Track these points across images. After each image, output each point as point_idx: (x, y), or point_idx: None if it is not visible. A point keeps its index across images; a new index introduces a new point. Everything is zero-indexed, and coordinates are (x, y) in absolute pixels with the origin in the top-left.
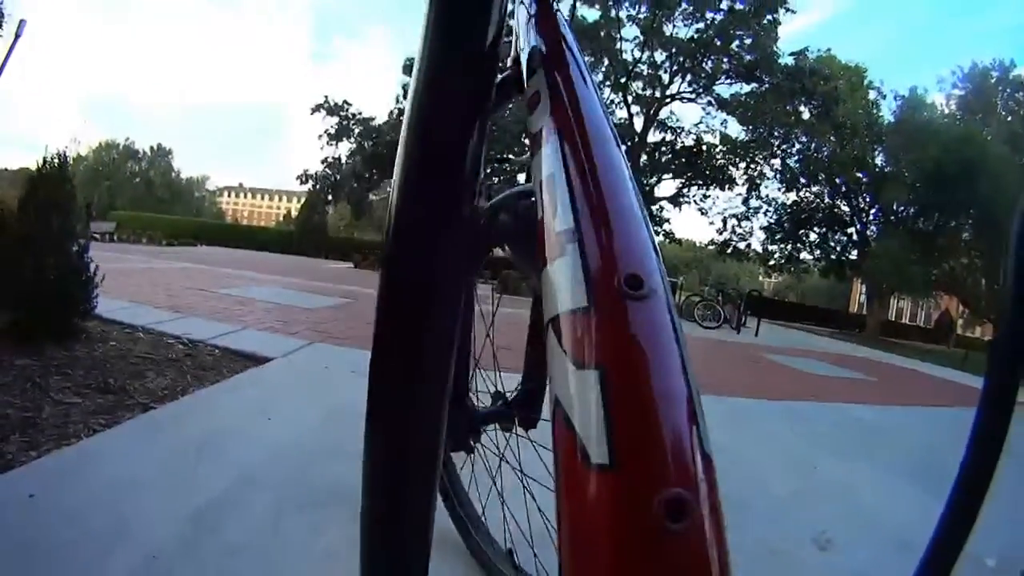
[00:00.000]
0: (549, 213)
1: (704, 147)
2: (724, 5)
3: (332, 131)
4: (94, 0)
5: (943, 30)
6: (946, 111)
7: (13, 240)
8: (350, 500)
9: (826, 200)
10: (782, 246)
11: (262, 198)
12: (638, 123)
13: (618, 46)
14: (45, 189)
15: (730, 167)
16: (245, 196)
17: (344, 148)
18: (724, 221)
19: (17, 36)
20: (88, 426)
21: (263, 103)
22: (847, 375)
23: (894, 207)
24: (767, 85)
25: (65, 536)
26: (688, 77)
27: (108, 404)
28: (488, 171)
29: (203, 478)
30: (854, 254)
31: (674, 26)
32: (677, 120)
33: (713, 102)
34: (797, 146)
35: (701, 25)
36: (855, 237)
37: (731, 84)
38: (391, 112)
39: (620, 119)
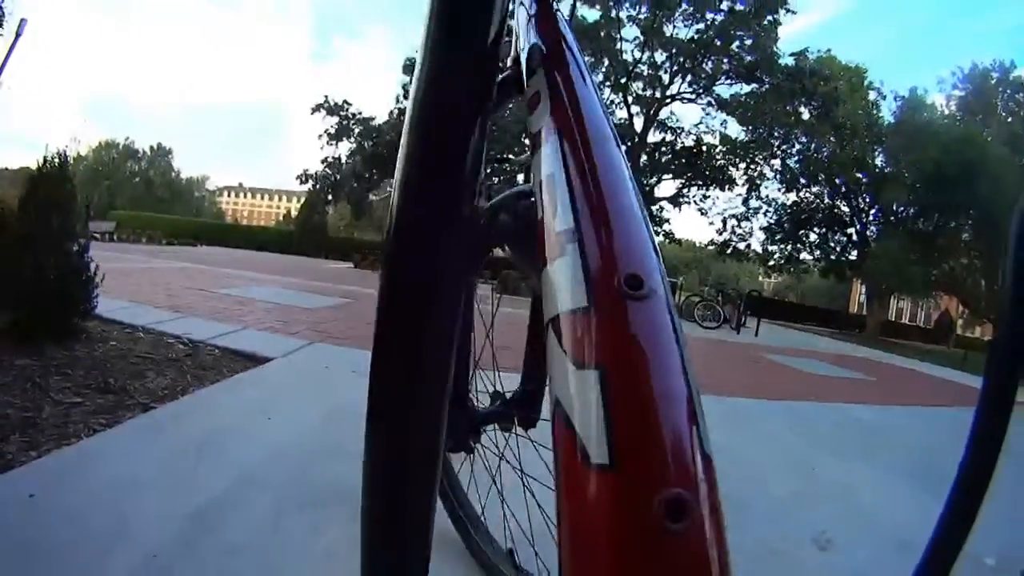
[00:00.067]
0: (549, 213)
1: (704, 147)
2: (724, 6)
3: (332, 131)
4: (94, 0)
5: (943, 31)
6: (946, 112)
7: (13, 240)
8: (350, 499)
9: (826, 200)
10: (782, 246)
11: (262, 198)
12: (638, 123)
13: (618, 46)
14: (45, 188)
15: (730, 167)
16: (245, 196)
17: (344, 148)
18: (724, 221)
19: (18, 35)
20: (88, 426)
21: (263, 103)
22: (847, 375)
23: (894, 207)
24: (767, 86)
25: (65, 536)
26: (688, 77)
27: (108, 404)
28: (488, 171)
29: (203, 478)
30: (854, 254)
31: (674, 26)
32: (677, 120)
33: (713, 102)
34: (797, 146)
35: (701, 26)
36: (855, 237)
37: (731, 84)
38: (391, 112)
39: (620, 119)
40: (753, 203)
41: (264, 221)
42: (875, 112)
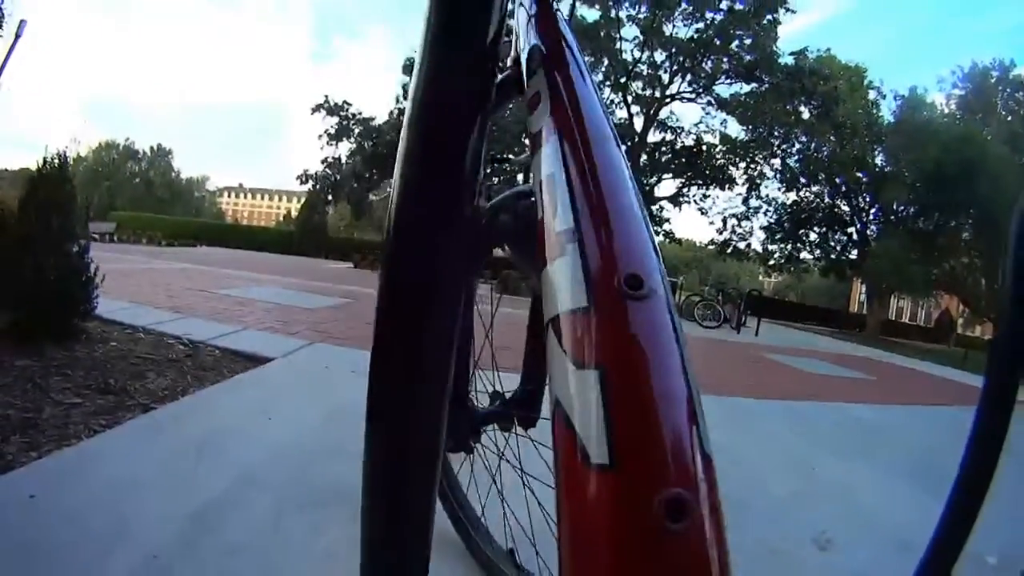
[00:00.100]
0: (549, 213)
1: (704, 147)
2: (724, 5)
3: (332, 131)
4: (94, 1)
5: (943, 30)
6: (946, 111)
7: (13, 240)
8: (350, 499)
9: (826, 200)
10: (782, 246)
11: (262, 198)
12: (638, 123)
13: (618, 46)
14: (45, 189)
15: (730, 167)
16: (245, 196)
17: (344, 148)
18: (724, 221)
19: (17, 36)
20: (88, 427)
21: (263, 103)
22: (847, 374)
23: (894, 207)
24: (767, 85)
25: (66, 537)
26: (688, 77)
27: (108, 405)
28: (488, 171)
29: (203, 478)
30: (854, 254)
31: (674, 26)
32: (677, 120)
33: (713, 102)
34: (797, 146)
35: (701, 25)
36: (855, 237)
37: (731, 84)
38: (391, 112)
39: (620, 119)
40: (753, 202)
41: (264, 221)
42: (875, 111)
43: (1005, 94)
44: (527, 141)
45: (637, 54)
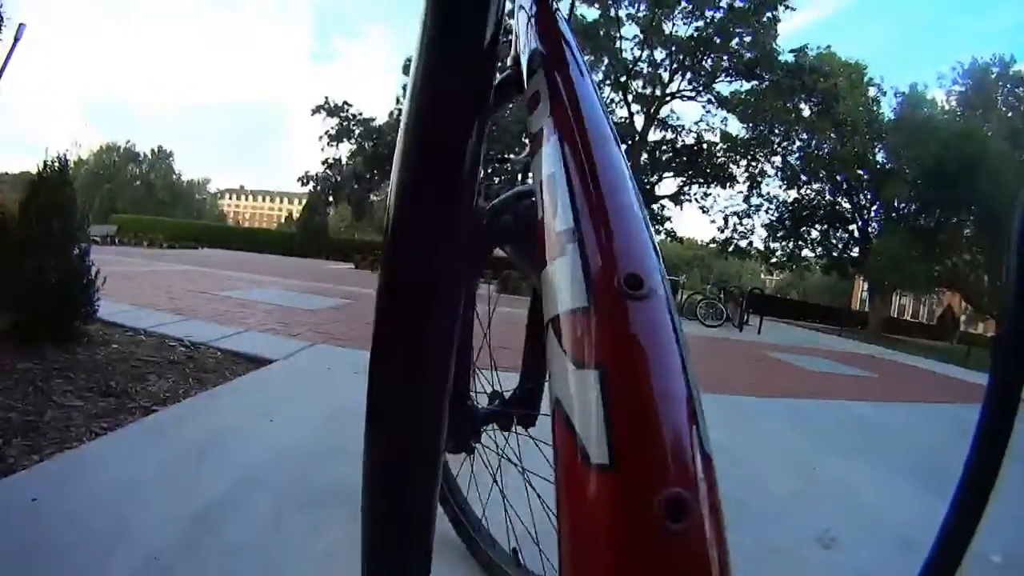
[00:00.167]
0: (549, 213)
1: (705, 145)
2: (724, 3)
3: (332, 132)
4: (94, 3)
5: (943, 28)
6: (946, 107)
7: (14, 243)
8: (351, 499)
9: (827, 197)
10: (784, 244)
11: (263, 200)
12: (638, 122)
13: (618, 45)
14: (46, 192)
15: (731, 165)
16: (246, 198)
17: (345, 149)
18: (725, 219)
19: (16, 40)
20: (90, 429)
21: (263, 104)
22: (850, 372)
23: (895, 204)
24: (767, 82)
25: (67, 539)
26: (688, 75)
27: (110, 407)
28: (489, 171)
29: (205, 480)
30: (856, 251)
31: (673, 24)
32: (677, 118)
33: (713, 100)
34: (798, 143)
35: (701, 23)
36: (856, 234)
37: (731, 82)
38: (391, 113)
39: (620, 118)
40: (754, 200)
41: (266, 223)
42: (875, 108)
43: (1005, 90)
44: (527, 141)
45: (637, 53)
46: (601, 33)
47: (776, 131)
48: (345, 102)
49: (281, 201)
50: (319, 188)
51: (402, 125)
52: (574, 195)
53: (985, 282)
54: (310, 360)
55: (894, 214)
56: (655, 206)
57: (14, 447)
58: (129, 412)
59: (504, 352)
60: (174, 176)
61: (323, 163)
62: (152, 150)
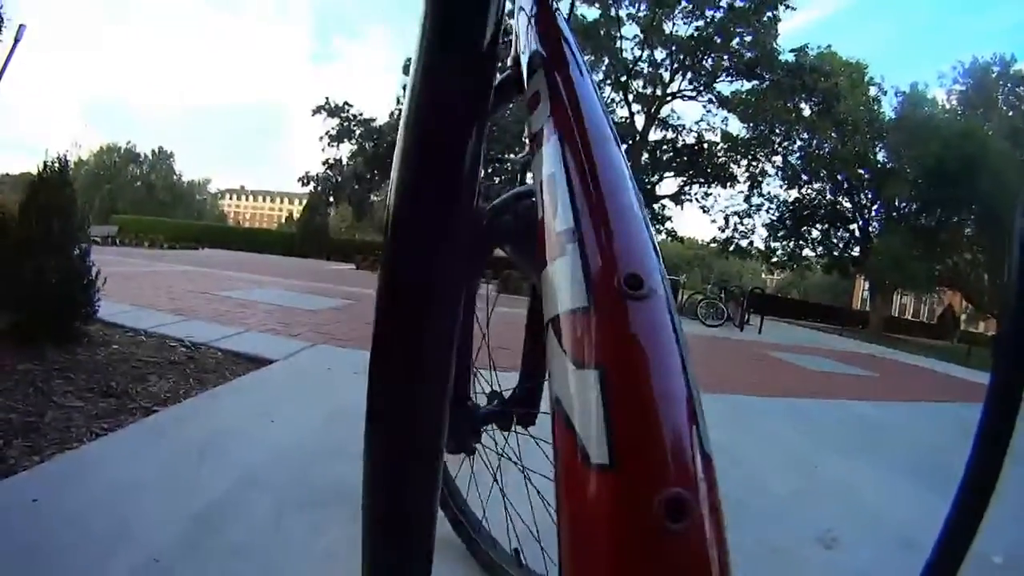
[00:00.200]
0: (549, 213)
1: (705, 145)
2: (724, 2)
3: (333, 133)
4: (94, 4)
5: (944, 27)
6: (947, 106)
7: (14, 244)
8: (351, 499)
9: (828, 197)
10: (784, 243)
11: (264, 200)
12: (639, 121)
13: (618, 45)
14: (46, 193)
15: (731, 164)
16: (247, 199)
17: (345, 150)
18: (726, 219)
19: (16, 41)
20: (91, 430)
21: (264, 104)
22: (851, 371)
23: (896, 203)
24: (768, 82)
25: (68, 540)
26: (688, 75)
27: (110, 408)
28: (489, 171)
29: (205, 480)
30: (856, 250)
31: (674, 24)
32: (678, 118)
33: (714, 100)
34: (798, 143)
35: (701, 23)
36: (857, 233)
37: (732, 81)
38: (392, 113)
39: (621, 118)
40: (755, 200)
41: (266, 223)
42: (876, 108)
43: (1006, 89)
44: (527, 140)
45: (637, 52)
46: (602, 33)
47: (777, 131)
48: (346, 102)
49: (282, 201)
50: (320, 188)
51: (402, 125)
52: (574, 195)
53: (986, 281)
54: (311, 360)
55: (895, 213)
56: (656, 206)
57: (14, 448)
58: (130, 413)
59: (504, 352)
60: (175, 177)
61: (324, 163)
62: (153, 151)
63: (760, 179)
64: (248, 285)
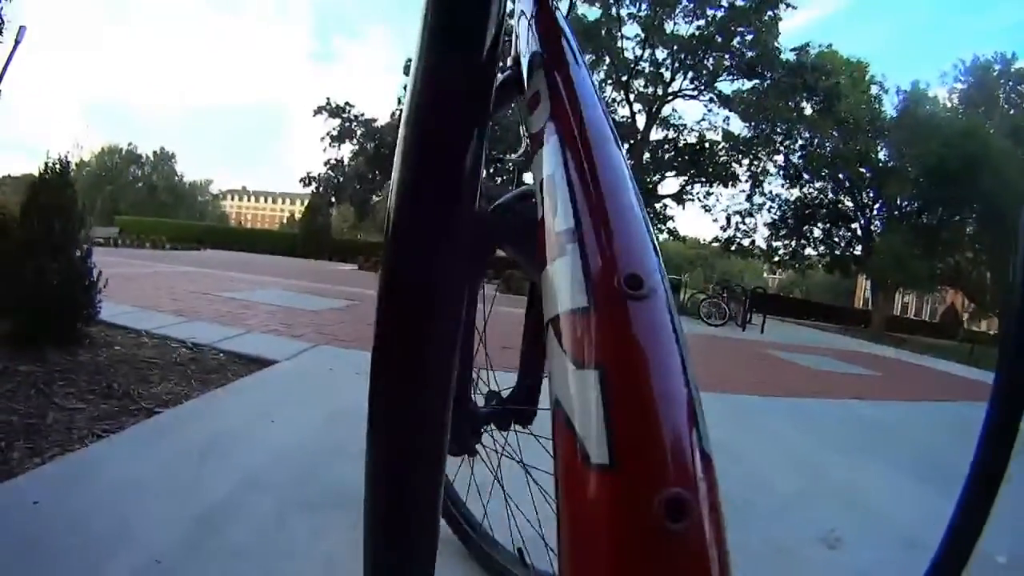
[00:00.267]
0: (549, 213)
1: (707, 144)
2: (725, 2)
3: (334, 133)
4: (94, 5)
5: (945, 25)
6: (948, 105)
7: (16, 245)
8: (352, 499)
9: (830, 195)
10: (786, 242)
11: (265, 201)
12: (640, 121)
13: (619, 44)
14: (47, 194)
15: (733, 164)
16: (248, 199)
17: (347, 150)
18: (728, 218)
19: (17, 42)
20: (92, 432)
21: (265, 105)
22: (853, 371)
23: (898, 202)
24: (769, 81)
25: (69, 542)
26: (690, 74)
27: (112, 409)
28: (491, 171)
29: (207, 481)
30: (858, 249)
31: (675, 23)
32: (679, 117)
33: (715, 99)
34: (800, 142)
35: (702, 22)
36: (859, 232)
37: (733, 81)
38: (393, 113)
39: (622, 117)
40: (757, 199)
41: (268, 224)
42: (877, 106)
43: (1007, 87)
44: (525, 140)
45: (639, 52)
46: (603, 32)
47: (778, 130)
48: (347, 103)
49: (283, 202)
50: (321, 189)
51: (403, 126)
52: (574, 195)
53: (988, 280)
54: (313, 361)
55: (897, 212)
56: (658, 205)
57: (16, 450)
58: (131, 414)
59: (509, 352)
60: (176, 178)
61: (325, 164)
62: (154, 152)
63: (762, 178)
64: (250, 286)
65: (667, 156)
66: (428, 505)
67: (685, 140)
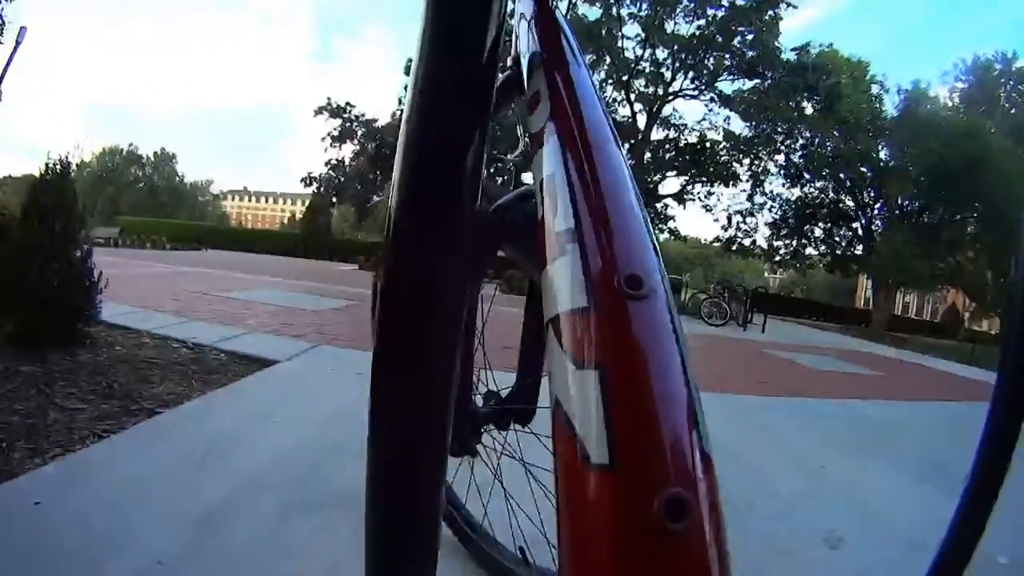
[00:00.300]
0: (549, 213)
1: (707, 144)
2: (725, 1)
3: (335, 133)
4: (94, 5)
5: (945, 25)
6: (949, 104)
7: (16, 246)
8: (352, 498)
9: (831, 195)
10: (787, 242)
11: (266, 201)
12: (641, 121)
13: (620, 44)
14: (47, 195)
15: (734, 163)
16: (249, 199)
17: (347, 150)
18: (729, 217)
19: (18, 43)
20: (93, 432)
21: (266, 105)
22: (854, 370)
23: (899, 201)
24: (769, 81)
25: (70, 543)
26: (690, 74)
27: (113, 410)
28: (491, 171)
29: (208, 481)
30: (859, 249)
31: (675, 23)
32: (680, 117)
33: (716, 99)
34: (801, 141)
35: (702, 22)
36: (860, 232)
37: (733, 80)
38: (393, 113)
39: (623, 117)
40: (758, 199)
41: (269, 224)
42: (878, 106)
43: (1008, 86)
44: (523, 139)
45: (639, 52)
46: (603, 32)
47: (779, 129)
48: (348, 103)
49: (284, 202)
50: (322, 189)
51: (403, 126)
52: (574, 195)
53: (989, 279)
54: (314, 361)
55: (898, 211)
56: (659, 205)
57: (17, 450)
58: (132, 414)
59: (510, 353)
60: (177, 178)
61: (326, 164)
62: (155, 152)
63: (763, 178)
64: (251, 286)
65: (668, 156)
66: (429, 507)
67: (686, 140)
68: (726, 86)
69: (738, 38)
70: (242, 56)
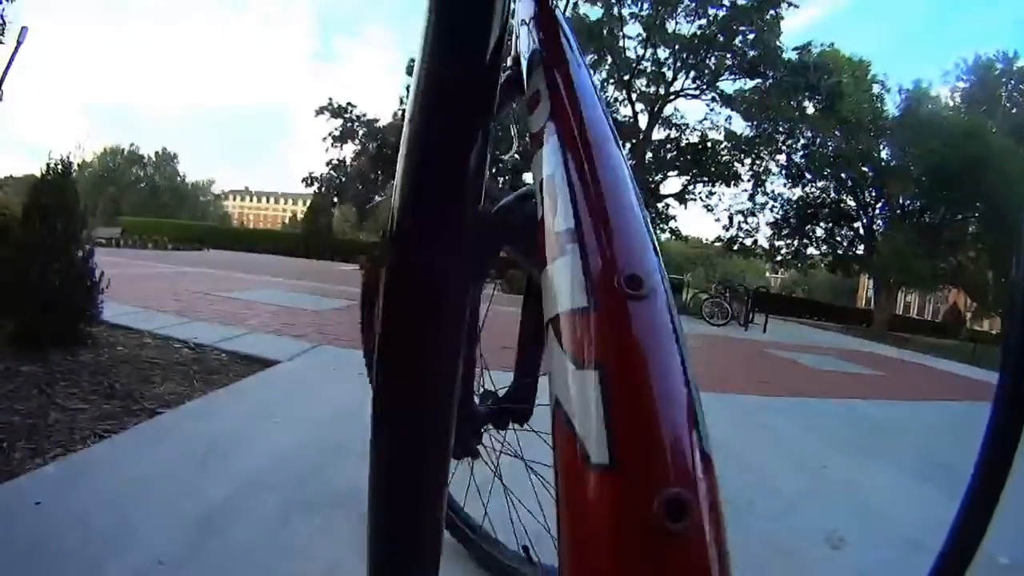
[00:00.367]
0: (549, 213)
1: (709, 144)
2: (726, 1)
3: (336, 133)
4: (95, 5)
5: (946, 24)
6: (951, 104)
7: (17, 246)
8: (353, 498)
9: (832, 195)
10: (789, 241)
11: (267, 201)
12: (642, 120)
13: (621, 44)
14: (48, 195)
15: (735, 163)
16: (250, 199)
17: (349, 150)
18: (730, 217)
19: (19, 43)
20: (94, 432)
21: (267, 105)
22: (855, 370)
23: (900, 201)
24: (771, 81)
25: (71, 543)
26: (692, 74)
27: (114, 410)
28: (493, 171)
29: (209, 481)
30: (861, 249)
31: (676, 23)
32: (681, 117)
33: (717, 98)
34: (802, 141)
35: (704, 21)
36: (861, 232)
37: (735, 80)
38: (395, 113)
39: (624, 117)
40: (759, 198)
41: (270, 224)
42: (880, 106)
43: (1009, 86)
44: (520, 138)
45: (640, 51)
46: (604, 32)
47: (780, 129)
48: (349, 103)
49: (286, 202)
50: (323, 189)
51: (406, 127)
52: (574, 195)
53: (990, 279)
54: (315, 361)
55: (899, 211)
56: (660, 205)
57: (18, 450)
58: (133, 414)
59: (507, 352)
60: (178, 178)
61: (327, 164)
62: (156, 152)
63: (764, 177)
64: (252, 286)
65: (669, 156)
66: (432, 508)
67: (687, 139)
68: (727, 85)
69: (739, 37)
70: (243, 56)
